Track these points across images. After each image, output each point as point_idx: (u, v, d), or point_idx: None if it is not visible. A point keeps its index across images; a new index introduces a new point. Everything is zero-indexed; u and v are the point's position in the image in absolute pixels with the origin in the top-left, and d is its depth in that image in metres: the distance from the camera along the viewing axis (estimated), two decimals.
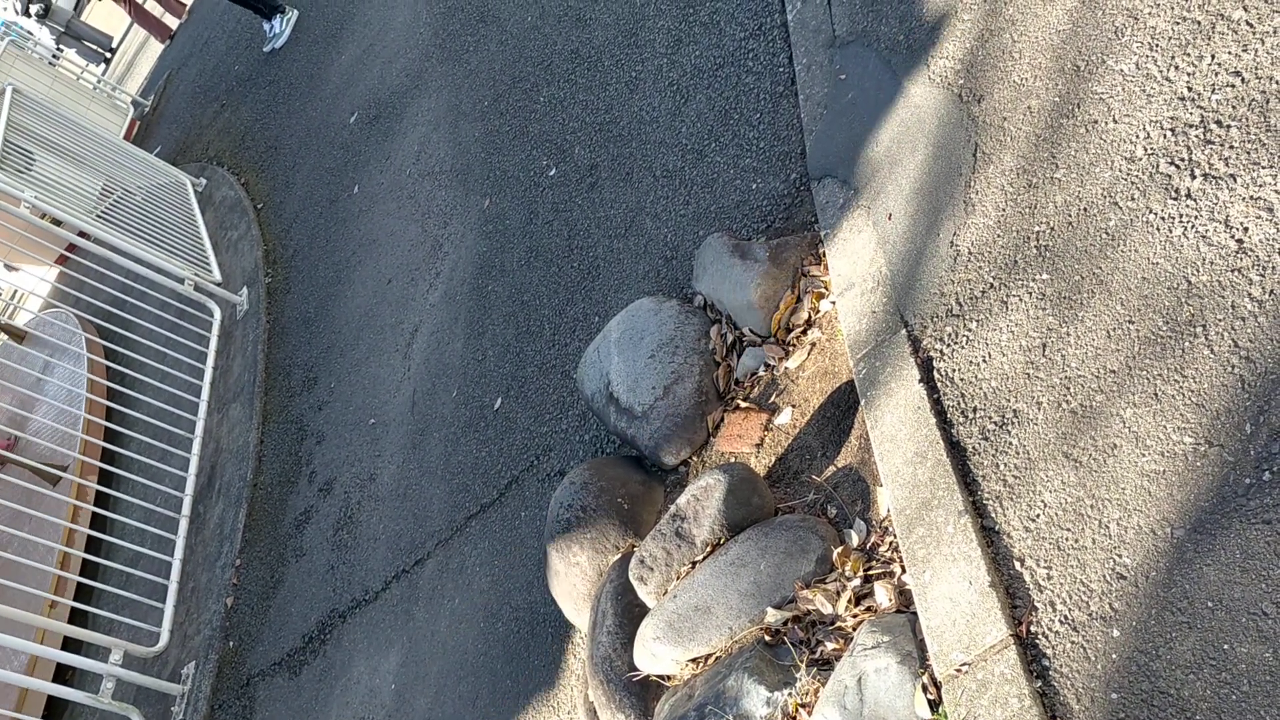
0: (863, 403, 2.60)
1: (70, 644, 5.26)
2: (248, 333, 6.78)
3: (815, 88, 3.47)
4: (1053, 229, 2.36)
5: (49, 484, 6.27)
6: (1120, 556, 1.88)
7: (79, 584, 5.75)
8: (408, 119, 6.48)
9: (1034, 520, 2.05)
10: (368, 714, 4.15)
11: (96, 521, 5.99)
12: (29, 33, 13.77)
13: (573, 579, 3.21)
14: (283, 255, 7.20)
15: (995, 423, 2.25)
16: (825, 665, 2.30)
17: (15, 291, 10.80)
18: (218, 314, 6.99)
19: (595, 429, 3.77)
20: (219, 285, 7.08)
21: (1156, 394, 1.97)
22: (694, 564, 2.68)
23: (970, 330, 2.44)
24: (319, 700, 4.49)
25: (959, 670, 1.98)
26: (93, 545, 5.95)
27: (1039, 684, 1.87)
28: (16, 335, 8.35)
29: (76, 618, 5.57)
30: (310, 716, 4.48)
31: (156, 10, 13.81)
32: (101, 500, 6.11)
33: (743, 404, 3.09)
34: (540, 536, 3.71)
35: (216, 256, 7.51)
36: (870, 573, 2.37)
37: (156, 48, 14.02)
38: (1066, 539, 1.98)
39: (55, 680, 5.21)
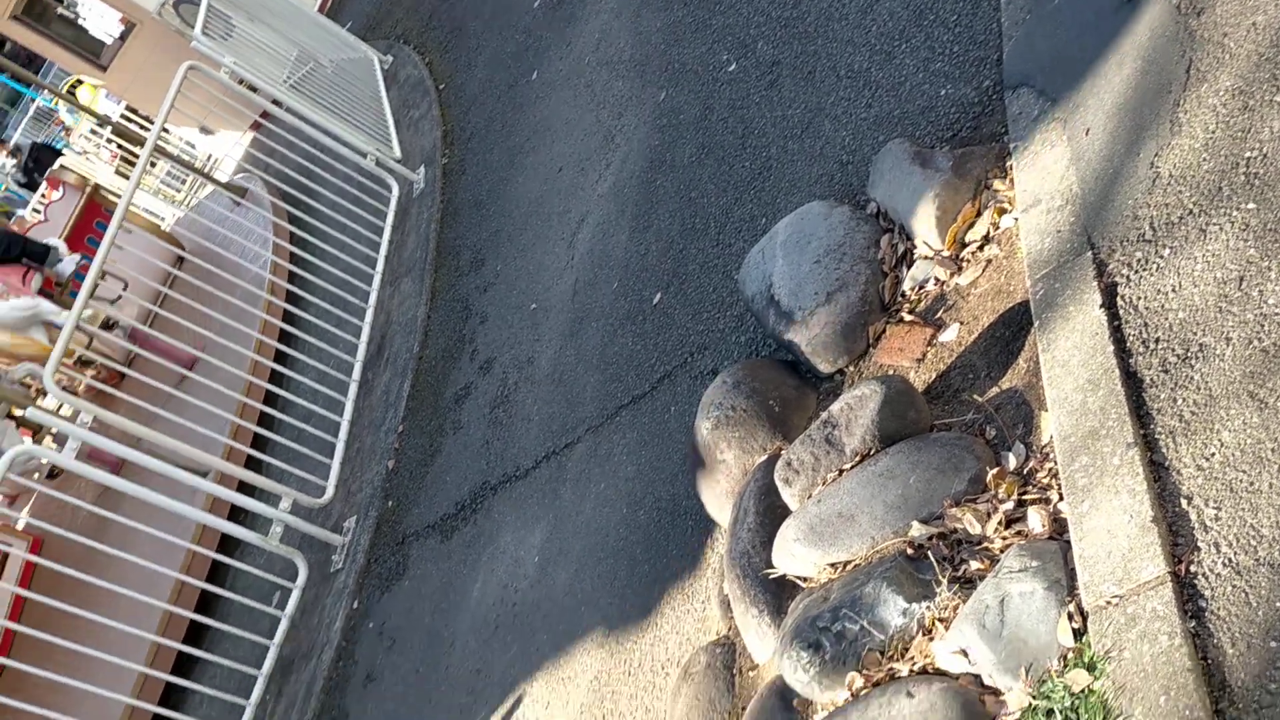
0: (1036, 324, 2.51)
1: (244, 490, 5.63)
2: (422, 211, 6.98)
3: None
4: (1265, 156, 2.19)
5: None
6: None
7: (255, 434, 6.13)
8: (590, 5, 6.45)
9: (1208, 459, 1.96)
10: (511, 582, 4.33)
11: (274, 378, 6.36)
12: None
13: (717, 476, 3.24)
14: (460, 137, 7.34)
15: (1178, 355, 2.14)
16: (967, 584, 2.27)
17: (211, 155, 11.36)
18: (396, 190, 7.20)
19: (752, 330, 3.76)
20: (399, 162, 7.28)
21: None
22: (841, 471, 2.67)
23: (1162, 257, 2.31)
24: (467, 564, 4.70)
25: (1109, 602, 1.92)
26: (270, 399, 6.32)
27: (1193, 624, 1.80)
28: (238, 190, 8.76)
29: (251, 465, 5.96)
30: (458, 578, 4.70)
31: None
32: (280, 358, 6.46)
33: (907, 317, 3.02)
34: (689, 432, 3.74)
35: (398, 134, 7.71)
36: (1025, 497, 2.31)
37: None
38: (1241, 481, 1.88)
39: (230, 520, 5.60)
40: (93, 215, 8.97)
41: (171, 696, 5.62)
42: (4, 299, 7.40)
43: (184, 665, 5.76)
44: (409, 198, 7.26)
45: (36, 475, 7.60)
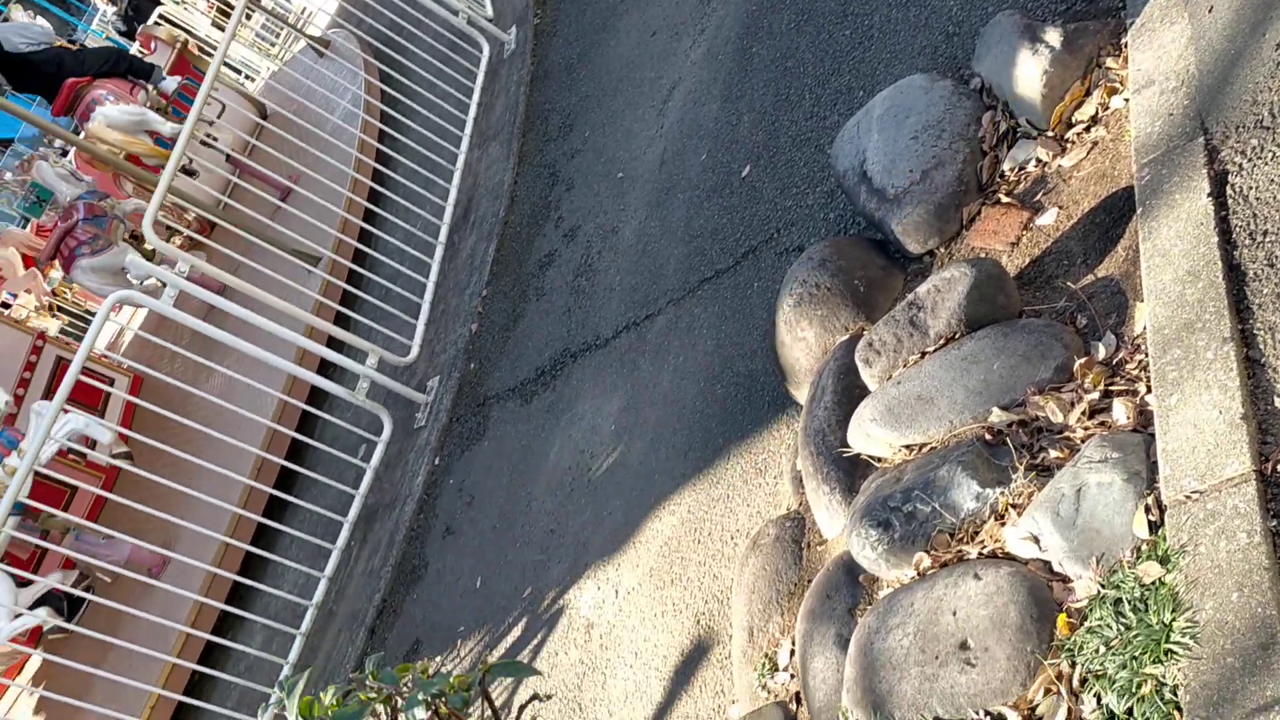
0: (1139, 211, 2.41)
1: (333, 345, 5.77)
2: (512, 73, 6.90)
3: None
4: None
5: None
6: None
7: (344, 291, 6.26)
8: None
9: None
10: (588, 448, 4.41)
11: (363, 237, 6.44)
12: None
13: (797, 353, 3.23)
14: None
15: None
16: (1044, 472, 2.25)
17: (305, 7, 11.32)
18: (486, 50, 7.12)
19: (841, 208, 3.69)
20: (490, 21, 7.18)
21: None
22: (923, 354, 2.64)
23: (1279, 145, 2.19)
24: (545, 428, 4.80)
25: (1189, 497, 1.90)
26: (358, 258, 6.42)
27: (1274, 524, 1.77)
28: (323, 42, 8.81)
29: (340, 321, 6.10)
30: (537, 441, 4.81)
31: None
32: (368, 217, 6.54)
33: (1004, 199, 2.93)
34: (770, 309, 3.72)
35: None
36: (1112, 388, 2.27)
37: None
38: None
39: (319, 373, 5.77)
40: (183, 72, 9.12)
41: (264, 537, 5.90)
42: (115, 105, 7.73)
43: (275, 509, 6.03)
44: (499, 58, 7.18)
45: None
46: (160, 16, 11.73)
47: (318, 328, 5.72)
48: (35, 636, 6.73)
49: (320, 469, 5.79)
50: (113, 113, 7.75)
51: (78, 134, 7.76)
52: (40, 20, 9.19)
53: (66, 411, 5.71)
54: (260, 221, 6.25)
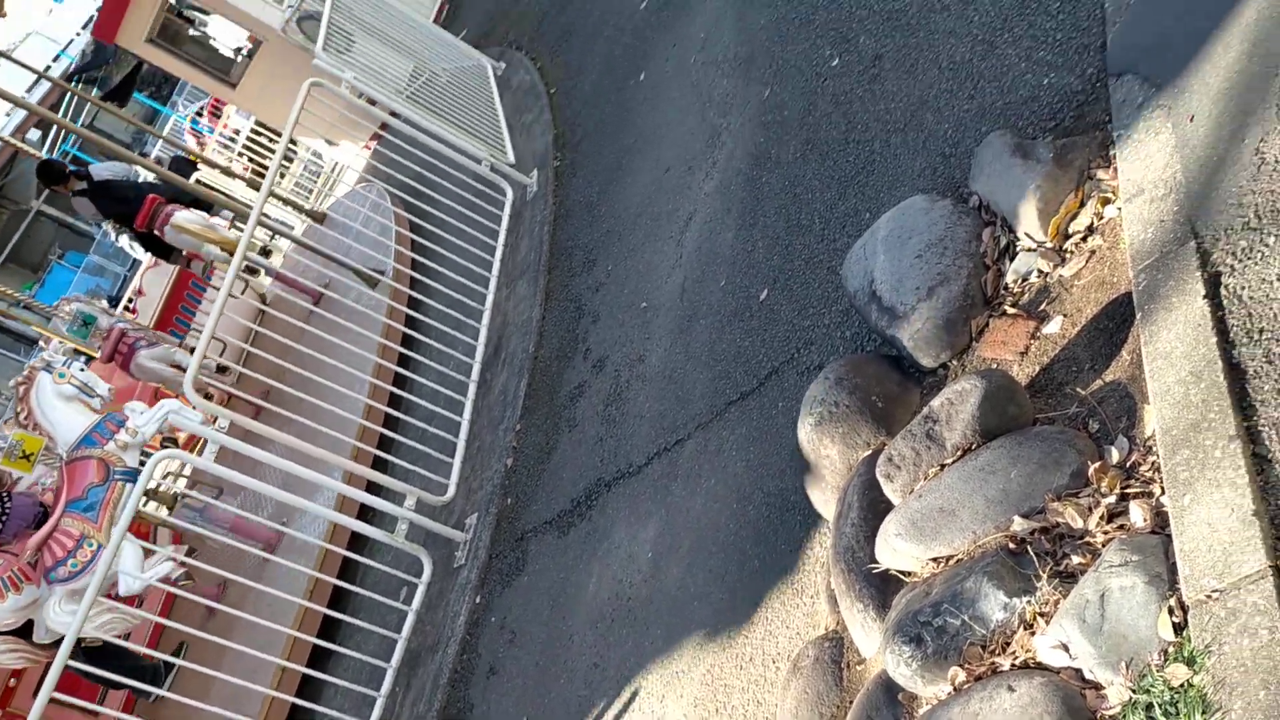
0: (1139, 316, 2.48)
1: (371, 489, 5.87)
2: (535, 213, 7.15)
3: None
4: None
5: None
6: None
7: (380, 435, 6.39)
8: (695, 5, 6.51)
9: None
10: (625, 577, 4.43)
11: (398, 380, 6.60)
12: None
13: (822, 471, 3.28)
14: (571, 140, 7.48)
15: None
16: (1068, 578, 2.26)
17: (336, 165, 11.80)
18: (510, 194, 7.39)
19: (857, 326, 3.78)
20: (512, 167, 7.47)
21: None
22: (942, 466, 2.68)
23: (1267, 245, 2.26)
24: (583, 559, 4.83)
25: (1209, 596, 1.91)
26: (394, 401, 6.57)
27: None
28: (318, 217, 9.46)
29: (378, 465, 6.21)
30: (575, 573, 4.83)
31: None
32: (403, 361, 6.71)
33: (1010, 310, 3.00)
34: (796, 428, 3.78)
35: (511, 139, 7.90)
36: (1127, 491, 2.30)
37: None
38: None
39: (358, 518, 5.86)
40: (184, 286, 10.09)
41: (308, 687, 5.90)
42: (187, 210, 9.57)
43: (318, 658, 6.04)
44: (522, 201, 7.44)
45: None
46: (197, 180, 12.25)
47: (356, 473, 5.82)
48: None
49: (363, 615, 5.82)
50: (189, 214, 9.53)
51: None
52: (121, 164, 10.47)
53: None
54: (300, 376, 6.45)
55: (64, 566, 5.64)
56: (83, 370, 6.36)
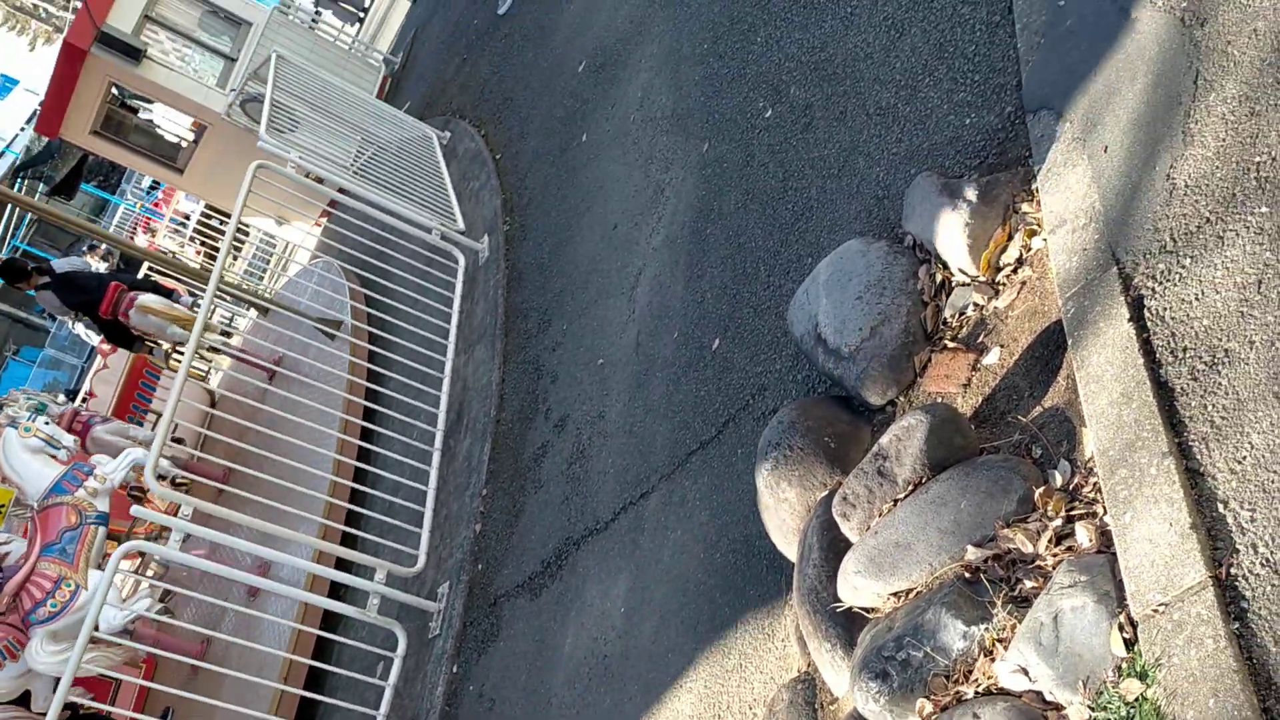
0: (1070, 342, 2.57)
1: (341, 565, 5.84)
2: (489, 278, 7.21)
3: (1033, 16, 3.36)
4: (1275, 160, 2.24)
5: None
6: None
7: (347, 511, 6.37)
8: (631, 65, 6.65)
9: (1240, 462, 2.00)
10: (600, 634, 4.44)
11: (361, 454, 6.59)
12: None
13: (782, 514, 3.33)
14: (519, 203, 7.57)
15: (1205, 362, 2.19)
16: (1023, 603, 2.32)
17: (287, 245, 11.84)
18: (462, 261, 7.44)
19: (808, 369, 3.85)
20: (463, 234, 7.53)
21: None
22: (895, 501, 2.74)
23: (1184, 267, 2.36)
24: (557, 620, 4.83)
25: (1156, 610, 1.97)
26: (359, 475, 6.55)
27: (1236, 626, 1.84)
28: (263, 310, 9.67)
29: (346, 541, 6.18)
30: (550, 634, 4.83)
31: None
32: (365, 434, 6.70)
33: (950, 344, 3.09)
34: (755, 473, 3.83)
35: (460, 206, 7.97)
36: (1072, 513, 2.36)
37: (405, 5, 14.80)
38: (1273, 482, 1.92)
39: (329, 596, 5.82)
40: (139, 375, 10.45)
41: None
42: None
43: None
44: (475, 266, 7.50)
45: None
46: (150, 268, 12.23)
47: (325, 551, 5.79)
48: None
49: (340, 694, 5.76)
50: (153, 296, 9.89)
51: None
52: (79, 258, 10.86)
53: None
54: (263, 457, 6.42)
55: (43, 607, 5.90)
56: (47, 424, 6.55)
